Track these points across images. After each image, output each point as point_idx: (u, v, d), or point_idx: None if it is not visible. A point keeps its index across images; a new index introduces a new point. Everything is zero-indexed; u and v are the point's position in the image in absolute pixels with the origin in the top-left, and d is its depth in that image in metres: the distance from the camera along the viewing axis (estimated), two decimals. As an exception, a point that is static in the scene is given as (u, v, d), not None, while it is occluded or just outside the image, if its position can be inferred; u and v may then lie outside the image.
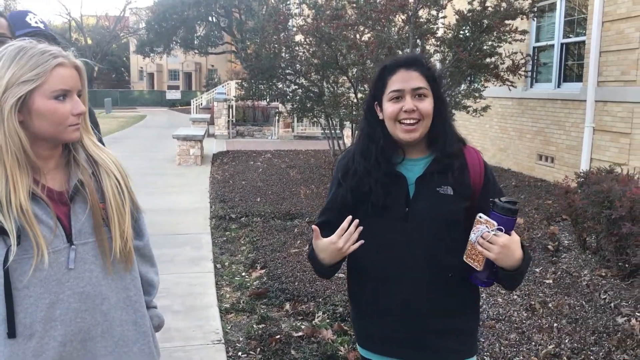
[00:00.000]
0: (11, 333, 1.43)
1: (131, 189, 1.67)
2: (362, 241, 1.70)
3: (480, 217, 1.63)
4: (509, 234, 1.59)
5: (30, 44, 1.45)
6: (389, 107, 1.74)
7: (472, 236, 1.62)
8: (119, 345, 1.57)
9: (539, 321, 3.95)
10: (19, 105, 1.40)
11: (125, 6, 52.93)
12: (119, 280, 1.58)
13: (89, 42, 52.78)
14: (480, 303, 4.17)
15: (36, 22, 2.51)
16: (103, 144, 2.66)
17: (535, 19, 9.19)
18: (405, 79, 1.72)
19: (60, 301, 1.47)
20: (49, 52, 1.44)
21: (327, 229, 1.74)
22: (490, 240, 1.57)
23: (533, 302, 4.26)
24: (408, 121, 1.71)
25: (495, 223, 1.59)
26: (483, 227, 1.60)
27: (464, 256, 1.67)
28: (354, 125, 9.82)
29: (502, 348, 3.58)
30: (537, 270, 5.00)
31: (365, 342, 1.87)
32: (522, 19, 8.09)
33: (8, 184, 1.40)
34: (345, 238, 1.67)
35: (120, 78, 60.35)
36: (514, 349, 3.57)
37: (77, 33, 54.42)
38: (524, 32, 8.01)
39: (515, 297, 4.40)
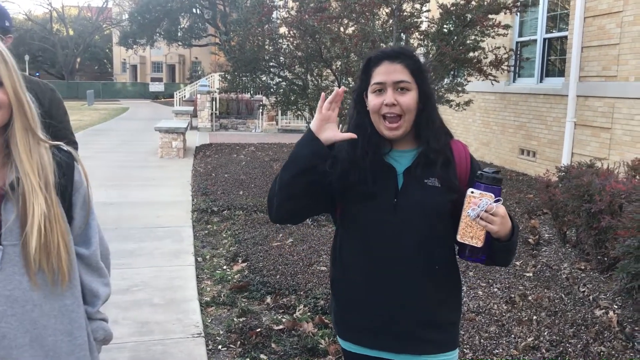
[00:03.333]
0: None
1: (75, 197, 1.57)
2: (350, 134, 1.70)
3: (472, 192, 1.60)
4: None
5: None
6: (372, 100, 1.73)
7: (472, 212, 1.58)
8: (50, 356, 1.49)
9: (519, 314, 3.97)
10: None
11: (108, -3, 52.20)
12: (54, 287, 1.49)
13: (71, 33, 52.12)
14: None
15: None
16: (72, 136, 2.59)
17: (518, 13, 9.23)
18: (388, 72, 1.70)
19: None
20: None
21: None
22: (494, 213, 1.56)
23: (513, 295, 4.28)
24: (390, 115, 1.70)
25: (493, 195, 1.57)
26: (485, 200, 1.56)
27: (459, 236, 1.63)
28: (338, 118, 9.81)
29: (482, 341, 3.59)
30: (518, 263, 5.02)
31: (348, 335, 1.84)
32: (505, 13, 8.11)
33: None
34: (327, 105, 1.68)
35: (102, 70, 59.73)
36: (494, 342, 3.58)
37: (59, 24, 53.71)
38: (507, 27, 8.04)
39: (495, 290, 4.43)
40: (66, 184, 1.53)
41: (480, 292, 4.37)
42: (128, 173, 9.92)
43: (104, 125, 20.59)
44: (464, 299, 4.20)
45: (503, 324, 3.83)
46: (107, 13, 52.99)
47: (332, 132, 1.68)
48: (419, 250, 1.72)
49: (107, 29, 53.78)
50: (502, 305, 4.13)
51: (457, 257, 1.75)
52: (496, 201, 1.57)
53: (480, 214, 1.57)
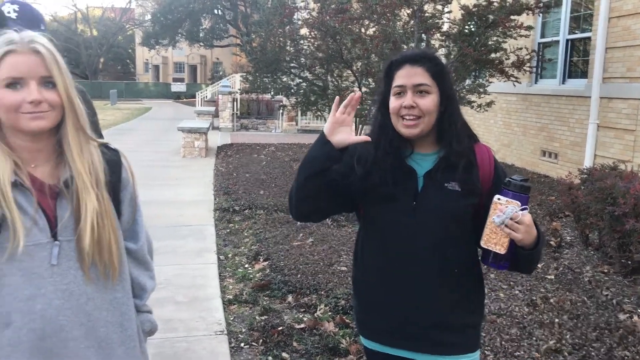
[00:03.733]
0: None
1: (123, 194, 1.63)
2: (364, 137, 1.72)
3: (499, 199, 1.60)
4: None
5: None
6: (392, 102, 1.75)
7: (497, 219, 1.58)
8: (102, 347, 1.55)
9: (540, 316, 3.97)
10: None
11: (131, -2, 52.81)
12: (105, 281, 1.55)
13: (95, 33, 52.80)
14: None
15: (8, 12, 2.43)
16: (101, 137, 2.66)
17: (541, 14, 9.16)
18: (408, 75, 1.72)
19: (41, 296, 1.46)
20: (4, 41, 1.41)
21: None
22: (520, 221, 1.57)
23: (534, 298, 4.27)
24: (408, 117, 1.72)
25: (519, 203, 1.58)
26: (511, 208, 1.57)
27: (482, 242, 1.64)
28: (357, 119, 9.83)
29: (503, 343, 3.59)
30: (539, 265, 5.00)
31: (367, 333, 1.89)
32: (527, 14, 8.06)
33: None
34: (342, 109, 1.70)
35: (125, 70, 60.39)
36: (515, 344, 3.58)
37: (83, 24, 54.43)
38: (529, 28, 7.99)
39: (516, 292, 4.42)
40: (115, 182, 1.59)
41: (502, 294, 4.36)
42: (151, 172, 10.04)
43: (127, 125, 20.85)
44: (485, 301, 4.19)
45: (524, 326, 3.83)
46: (130, 14, 53.55)
47: (345, 135, 1.69)
48: (433, 252, 1.73)
49: (130, 29, 54.36)
50: (524, 308, 4.12)
51: (481, 262, 1.77)
52: (522, 209, 1.58)
53: (505, 221, 1.57)
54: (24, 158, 1.47)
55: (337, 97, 1.74)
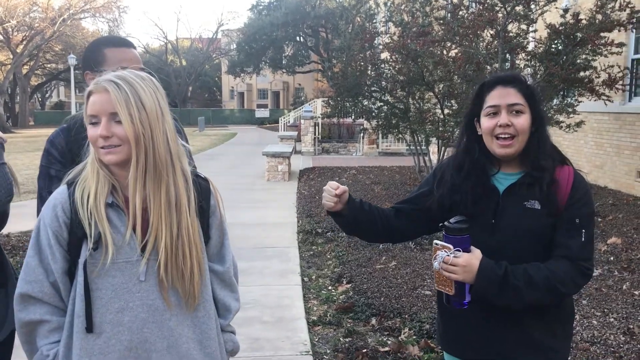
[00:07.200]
0: (89, 328, 1.55)
1: (211, 219, 1.71)
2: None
3: (436, 243, 1.69)
4: (469, 251, 1.67)
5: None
6: (485, 122, 1.79)
7: (435, 263, 1.67)
8: None
9: (638, 346, 3.76)
10: None
11: (218, 28, 55.20)
12: (186, 305, 1.62)
13: (184, 63, 55.55)
14: (574, 324, 4.03)
15: None
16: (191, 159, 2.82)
17: (634, 30, 8.78)
18: (502, 95, 1.77)
19: (129, 309, 1.55)
20: (92, 83, 1.56)
21: (400, 216, 1.97)
22: (452, 263, 1.64)
23: (632, 326, 4.06)
24: (503, 136, 1.75)
25: (451, 246, 1.66)
26: (442, 253, 1.66)
27: (435, 284, 1.73)
28: (440, 141, 9.76)
29: (597, 372, 3.44)
30: (637, 292, 4.75)
31: (448, 346, 1.95)
32: (619, 30, 7.75)
33: (88, 193, 1.56)
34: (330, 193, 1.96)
35: (212, 97, 63.01)
36: (611, 374, 3.42)
37: (173, 55, 57.43)
38: (620, 45, 7.67)
39: (611, 320, 4.21)
40: (204, 207, 1.70)
41: (595, 322, 4.18)
42: (237, 195, 10.40)
43: (214, 150, 21.69)
44: (577, 328, 4.04)
45: (621, 356, 3.64)
46: (217, 44, 55.94)
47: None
48: None
49: (217, 58, 56.79)
50: (620, 336, 3.92)
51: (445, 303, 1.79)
52: (457, 250, 1.65)
53: (440, 265, 1.66)
54: (122, 183, 1.59)
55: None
